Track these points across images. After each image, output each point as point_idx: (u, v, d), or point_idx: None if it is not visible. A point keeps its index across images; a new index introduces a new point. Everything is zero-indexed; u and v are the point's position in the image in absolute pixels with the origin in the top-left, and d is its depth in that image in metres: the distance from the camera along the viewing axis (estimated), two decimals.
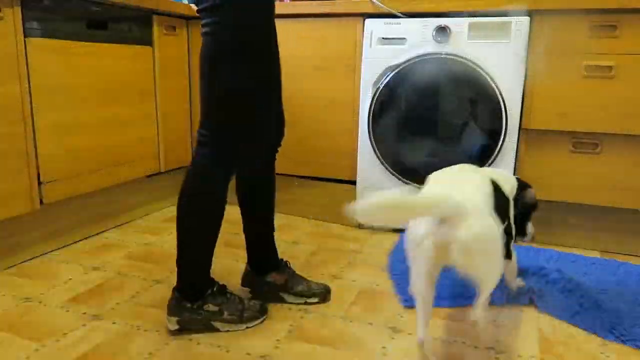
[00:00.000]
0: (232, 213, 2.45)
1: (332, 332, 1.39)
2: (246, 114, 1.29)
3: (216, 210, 1.35)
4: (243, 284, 1.61)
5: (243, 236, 2.22)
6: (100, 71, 1.98)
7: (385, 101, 2.07)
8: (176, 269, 1.38)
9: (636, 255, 1.99)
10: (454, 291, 1.57)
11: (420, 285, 1.12)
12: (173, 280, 1.67)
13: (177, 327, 1.36)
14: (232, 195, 2.66)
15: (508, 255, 1.40)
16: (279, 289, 1.56)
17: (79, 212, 2.02)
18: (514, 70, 1.92)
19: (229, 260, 1.86)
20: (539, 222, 2.09)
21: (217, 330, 1.38)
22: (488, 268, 1.07)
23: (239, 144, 1.31)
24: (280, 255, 2.00)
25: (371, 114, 2.10)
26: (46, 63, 1.77)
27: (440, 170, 1.31)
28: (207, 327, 1.38)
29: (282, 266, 1.59)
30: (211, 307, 1.38)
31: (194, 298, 1.37)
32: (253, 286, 1.59)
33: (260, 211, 1.57)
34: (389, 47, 2.06)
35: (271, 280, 1.56)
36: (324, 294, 1.57)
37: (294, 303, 1.56)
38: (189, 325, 1.37)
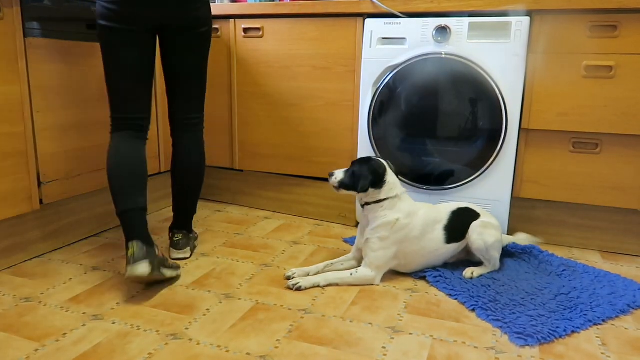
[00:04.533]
0: (232, 212, 2.45)
1: (332, 332, 1.39)
2: None
3: None
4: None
5: (243, 236, 2.23)
6: (100, 71, 1.98)
7: (385, 101, 2.07)
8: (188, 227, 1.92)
9: (636, 255, 1.99)
10: None
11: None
12: (173, 280, 1.67)
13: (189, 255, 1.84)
14: (230, 194, 2.67)
15: None
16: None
17: (79, 212, 2.02)
18: (514, 70, 1.92)
19: (229, 260, 1.86)
20: (539, 222, 2.10)
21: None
22: None
23: None
24: (280, 255, 2.01)
25: (371, 114, 2.10)
26: (46, 63, 1.77)
27: None
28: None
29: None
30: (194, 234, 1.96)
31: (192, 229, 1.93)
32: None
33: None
34: (389, 47, 2.06)
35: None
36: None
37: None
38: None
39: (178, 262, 1.79)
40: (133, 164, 1.60)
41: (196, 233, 2.04)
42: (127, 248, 1.51)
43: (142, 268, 1.47)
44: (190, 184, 1.83)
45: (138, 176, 1.60)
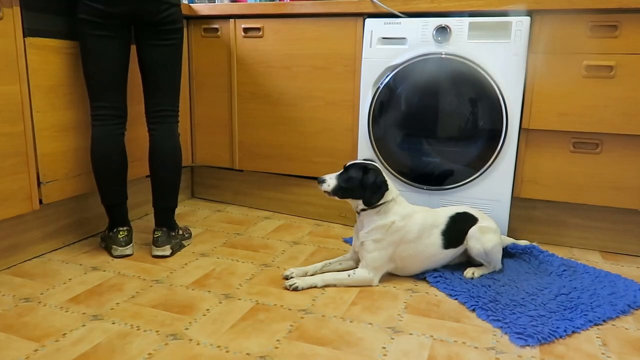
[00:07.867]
0: (232, 212, 2.45)
1: (332, 332, 1.39)
2: None
3: None
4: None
5: (243, 236, 2.23)
6: None
7: (385, 101, 2.07)
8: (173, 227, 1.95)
9: (636, 255, 1.99)
10: None
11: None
12: (173, 280, 1.67)
13: (169, 252, 1.88)
14: (230, 194, 2.67)
15: None
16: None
17: (79, 212, 2.02)
18: (514, 70, 1.92)
19: (229, 260, 1.86)
20: (539, 222, 2.10)
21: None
22: None
23: None
24: (280, 255, 2.01)
25: (371, 114, 2.10)
26: (46, 63, 1.77)
27: None
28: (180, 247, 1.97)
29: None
30: (180, 232, 2.00)
31: (176, 226, 1.99)
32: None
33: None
34: (389, 47, 2.06)
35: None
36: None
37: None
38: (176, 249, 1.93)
39: (159, 259, 1.87)
40: (115, 162, 1.85)
41: (187, 231, 2.05)
42: (118, 232, 1.87)
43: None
44: (164, 177, 1.89)
45: (120, 172, 1.87)
